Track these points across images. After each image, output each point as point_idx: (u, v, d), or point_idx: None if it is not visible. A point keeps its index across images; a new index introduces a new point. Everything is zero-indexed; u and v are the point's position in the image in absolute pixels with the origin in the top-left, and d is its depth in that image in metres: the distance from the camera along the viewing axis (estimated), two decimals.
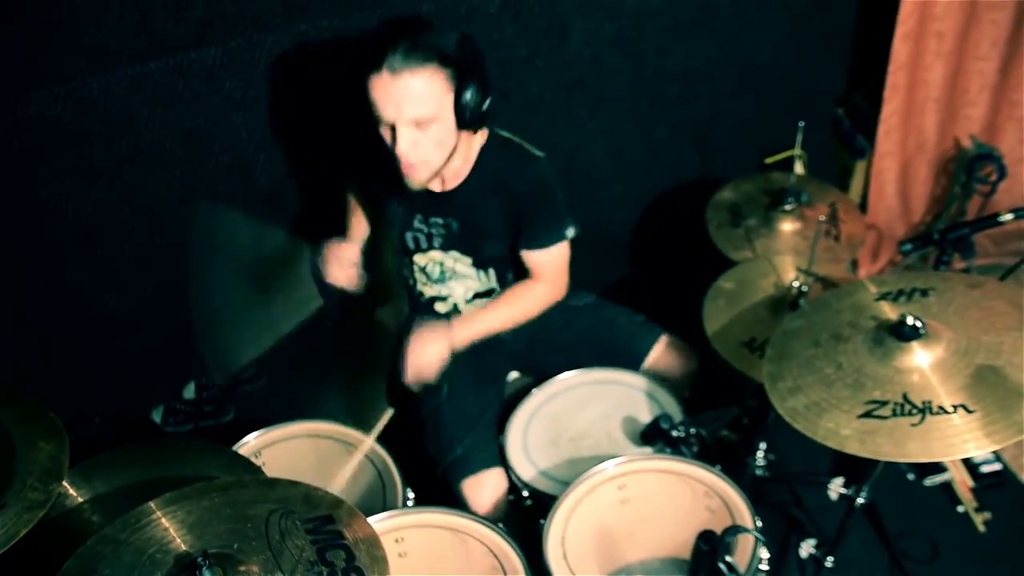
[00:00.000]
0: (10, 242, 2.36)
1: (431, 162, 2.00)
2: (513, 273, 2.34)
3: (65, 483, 1.74)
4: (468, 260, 2.28)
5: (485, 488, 2.17)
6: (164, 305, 2.67)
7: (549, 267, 2.27)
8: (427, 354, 2.16)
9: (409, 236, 2.25)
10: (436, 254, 2.28)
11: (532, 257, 2.25)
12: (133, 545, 1.43)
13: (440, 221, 2.21)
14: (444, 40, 1.89)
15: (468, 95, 1.92)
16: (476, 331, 2.25)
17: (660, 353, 2.40)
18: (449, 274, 2.31)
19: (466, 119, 1.95)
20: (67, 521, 1.72)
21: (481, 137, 2.16)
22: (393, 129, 1.92)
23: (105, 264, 2.51)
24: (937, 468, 2.64)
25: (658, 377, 2.33)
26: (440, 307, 2.38)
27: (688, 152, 3.04)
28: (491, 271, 2.31)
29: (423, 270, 2.32)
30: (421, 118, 1.90)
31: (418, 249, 2.27)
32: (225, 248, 2.24)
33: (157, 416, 2.82)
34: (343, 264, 2.20)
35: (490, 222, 2.21)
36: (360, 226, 2.39)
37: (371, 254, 2.31)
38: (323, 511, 1.51)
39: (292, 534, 1.46)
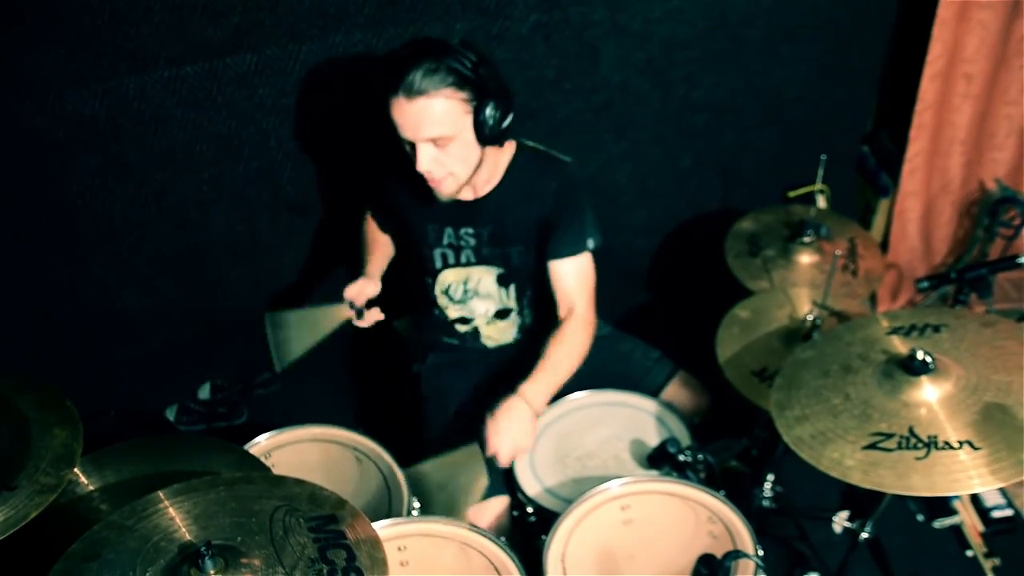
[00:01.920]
0: (40, 235, 2.41)
1: (456, 175, 2.04)
2: (532, 291, 2.35)
3: (76, 470, 1.78)
4: (495, 273, 2.29)
5: (486, 516, 2.17)
6: (185, 305, 2.71)
7: (577, 282, 2.22)
8: (519, 435, 2.08)
9: (438, 253, 2.27)
10: (462, 271, 2.29)
11: (558, 268, 2.21)
12: (139, 532, 1.45)
13: (471, 231, 2.23)
14: (461, 62, 1.92)
15: (486, 113, 1.96)
16: (549, 389, 2.15)
17: (673, 389, 2.42)
18: (472, 293, 2.33)
19: (486, 136, 1.99)
20: (76, 508, 1.75)
21: (509, 148, 2.20)
22: (413, 147, 1.98)
23: (130, 262, 2.55)
24: (947, 511, 2.61)
25: (669, 403, 2.34)
26: (461, 328, 2.39)
27: (711, 182, 3.06)
28: (512, 288, 2.32)
29: (446, 292, 2.33)
30: (438, 137, 1.95)
31: (446, 266, 2.29)
32: None
33: (171, 414, 2.85)
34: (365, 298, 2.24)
35: (519, 227, 2.22)
36: (378, 259, 2.38)
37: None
38: (327, 510, 1.53)
39: (295, 531, 1.48)
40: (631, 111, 2.76)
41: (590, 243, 2.21)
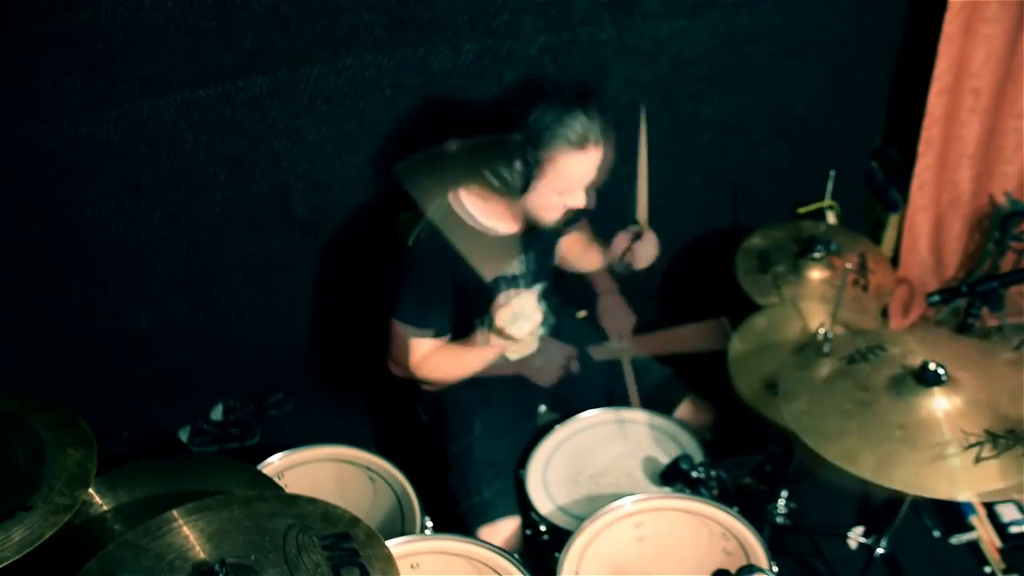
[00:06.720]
0: (54, 257, 2.43)
1: None
2: (556, 300, 2.42)
3: (91, 490, 1.78)
4: (540, 288, 2.32)
5: (500, 535, 2.17)
6: (197, 326, 2.73)
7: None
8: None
9: (504, 286, 2.25)
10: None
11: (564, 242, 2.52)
12: (152, 551, 1.45)
13: (532, 255, 2.28)
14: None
15: None
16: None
17: (684, 407, 2.43)
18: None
19: None
20: (90, 527, 1.75)
21: None
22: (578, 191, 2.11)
23: (143, 283, 2.57)
24: (964, 526, 2.59)
25: (681, 420, 2.34)
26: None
27: (720, 200, 3.06)
28: (543, 304, 2.29)
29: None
30: None
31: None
32: None
33: (184, 435, 2.86)
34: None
35: (546, 235, 2.33)
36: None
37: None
38: (340, 528, 1.53)
39: (309, 549, 1.48)
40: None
41: None
